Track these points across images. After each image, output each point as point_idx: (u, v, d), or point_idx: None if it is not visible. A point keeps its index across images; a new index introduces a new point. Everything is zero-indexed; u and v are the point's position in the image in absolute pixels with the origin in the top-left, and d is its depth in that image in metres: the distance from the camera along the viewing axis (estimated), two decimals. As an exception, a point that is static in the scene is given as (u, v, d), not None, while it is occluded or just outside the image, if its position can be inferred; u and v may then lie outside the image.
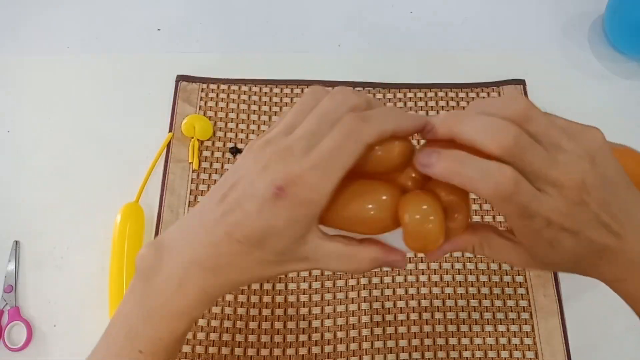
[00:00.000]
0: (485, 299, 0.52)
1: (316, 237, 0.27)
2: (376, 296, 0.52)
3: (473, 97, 0.62)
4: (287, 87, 0.62)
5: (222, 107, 0.61)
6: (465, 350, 0.50)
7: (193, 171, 0.57)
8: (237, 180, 0.27)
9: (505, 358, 0.50)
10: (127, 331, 0.29)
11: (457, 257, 0.54)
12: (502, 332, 0.51)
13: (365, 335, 0.50)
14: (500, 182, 0.24)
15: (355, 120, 0.25)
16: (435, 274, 0.53)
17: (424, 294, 0.52)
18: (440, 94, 0.62)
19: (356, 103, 0.27)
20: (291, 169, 0.25)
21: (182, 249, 0.28)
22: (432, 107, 0.61)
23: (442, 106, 0.61)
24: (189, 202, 0.56)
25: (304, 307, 0.51)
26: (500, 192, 0.24)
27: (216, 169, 0.58)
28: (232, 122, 0.60)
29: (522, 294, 0.53)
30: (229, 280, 0.28)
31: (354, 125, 0.25)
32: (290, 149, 0.25)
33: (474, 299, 0.52)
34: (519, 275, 0.53)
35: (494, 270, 0.53)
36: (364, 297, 0.52)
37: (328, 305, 0.52)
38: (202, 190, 0.56)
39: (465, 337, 0.51)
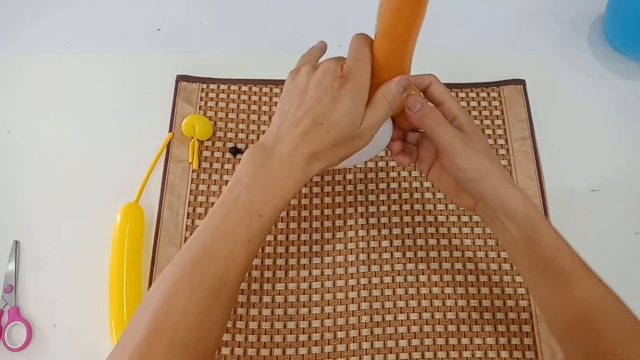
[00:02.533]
0: (485, 299, 0.52)
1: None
2: (376, 296, 0.52)
3: (473, 97, 0.62)
4: (287, 87, 0.62)
5: (222, 107, 0.61)
6: (465, 350, 0.50)
7: (193, 171, 0.57)
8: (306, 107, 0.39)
9: (505, 358, 0.50)
10: (244, 203, 0.37)
11: (457, 257, 0.54)
12: (502, 332, 0.51)
13: (365, 335, 0.50)
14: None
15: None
16: (435, 274, 0.53)
17: (424, 294, 0.52)
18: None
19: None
20: (340, 69, 0.39)
21: (286, 147, 0.38)
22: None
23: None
24: (189, 202, 0.56)
25: (304, 307, 0.51)
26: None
27: (216, 169, 0.58)
28: (232, 122, 0.60)
29: (522, 294, 0.53)
30: (326, 165, 0.40)
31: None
32: (330, 69, 0.39)
33: (474, 299, 0.52)
34: (519, 275, 0.53)
35: (494, 270, 0.54)
36: (364, 297, 0.52)
37: (328, 305, 0.52)
38: (202, 190, 0.56)
39: (465, 337, 0.51)
